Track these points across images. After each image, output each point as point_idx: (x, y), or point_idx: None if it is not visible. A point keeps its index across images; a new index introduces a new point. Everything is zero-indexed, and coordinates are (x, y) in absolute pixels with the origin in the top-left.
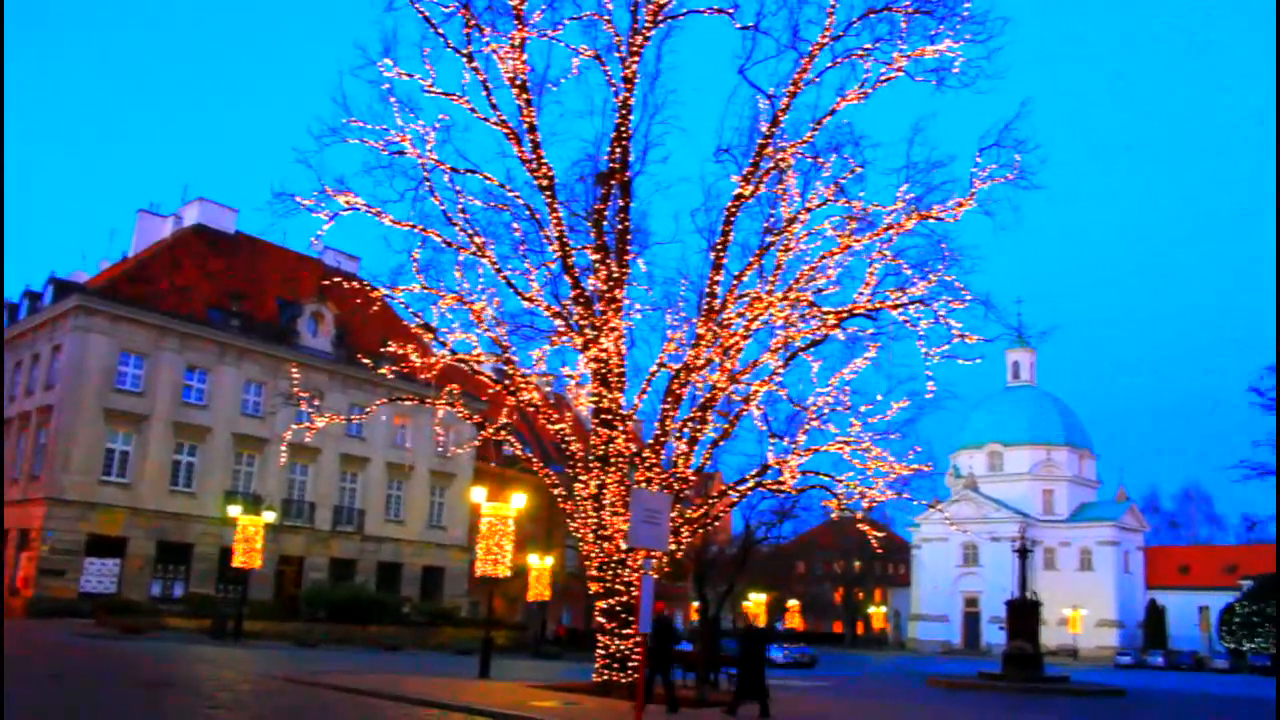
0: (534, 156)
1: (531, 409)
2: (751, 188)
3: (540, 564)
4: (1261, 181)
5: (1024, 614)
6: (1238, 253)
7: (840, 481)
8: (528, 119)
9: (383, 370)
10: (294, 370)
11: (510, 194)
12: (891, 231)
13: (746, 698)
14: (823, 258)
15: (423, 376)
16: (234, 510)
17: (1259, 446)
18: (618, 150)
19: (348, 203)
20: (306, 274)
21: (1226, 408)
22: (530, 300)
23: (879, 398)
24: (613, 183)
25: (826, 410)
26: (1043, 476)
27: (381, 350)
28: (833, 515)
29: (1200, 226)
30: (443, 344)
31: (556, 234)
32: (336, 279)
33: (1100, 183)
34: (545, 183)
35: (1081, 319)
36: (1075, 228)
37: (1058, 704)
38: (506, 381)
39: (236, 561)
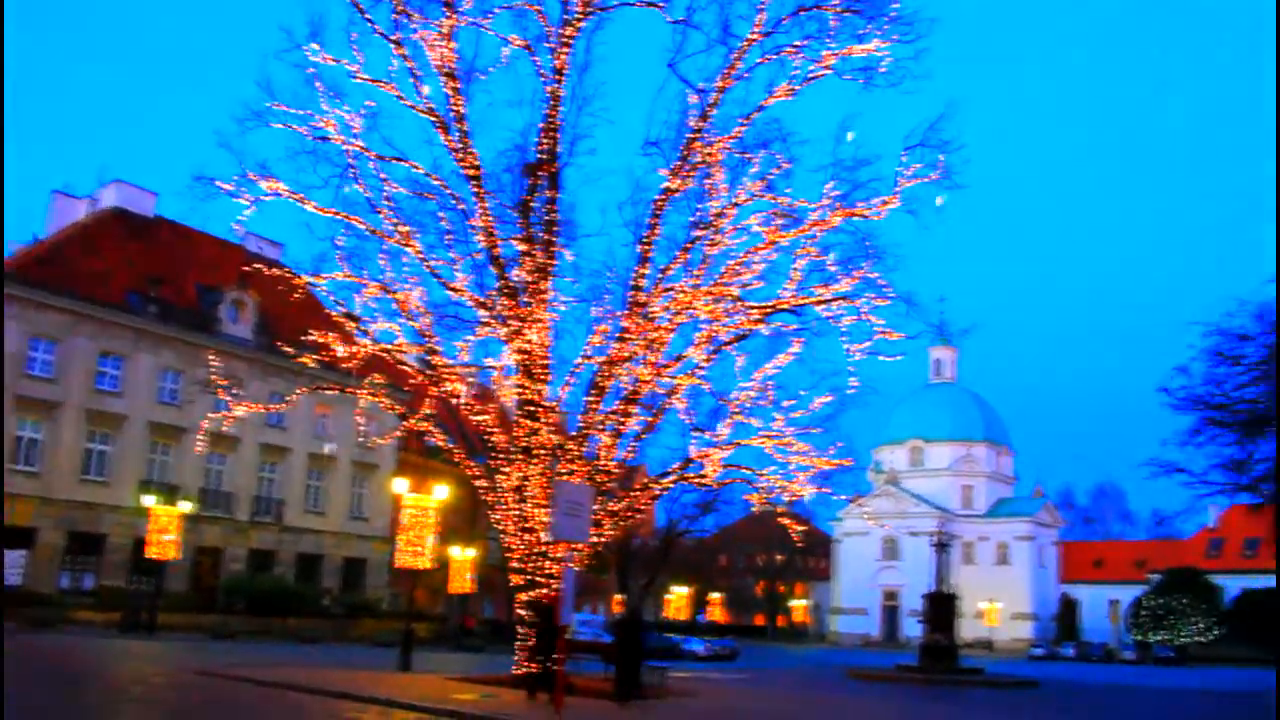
0: (462, 145)
1: (455, 400)
2: (680, 182)
3: (462, 556)
4: (1181, 185)
5: (941, 607)
6: (1153, 257)
7: (762, 475)
8: (456, 108)
9: (304, 359)
10: (213, 358)
11: (437, 183)
12: (817, 228)
13: (631, 686)
14: (749, 253)
15: (345, 366)
16: (148, 500)
17: (1167, 445)
18: (546, 141)
19: (270, 188)
20: (228, 260)
21: (1139, 408)
22: (455, 290)
23: (802, 393)
24: (541, 174)
25: (750, 404)
26: (962, 472)
27: (304, 339)
28: (755, 509)
29: (1117, 230)
30: (366, 333)
31: (483, 224)
32: (258, 265)
33: (1025, 184)
34: (473, 172)
35: (1003, 318)
36: (999, 228)
37: (972, 695)
38: (430, 372)
39: (150, 552)
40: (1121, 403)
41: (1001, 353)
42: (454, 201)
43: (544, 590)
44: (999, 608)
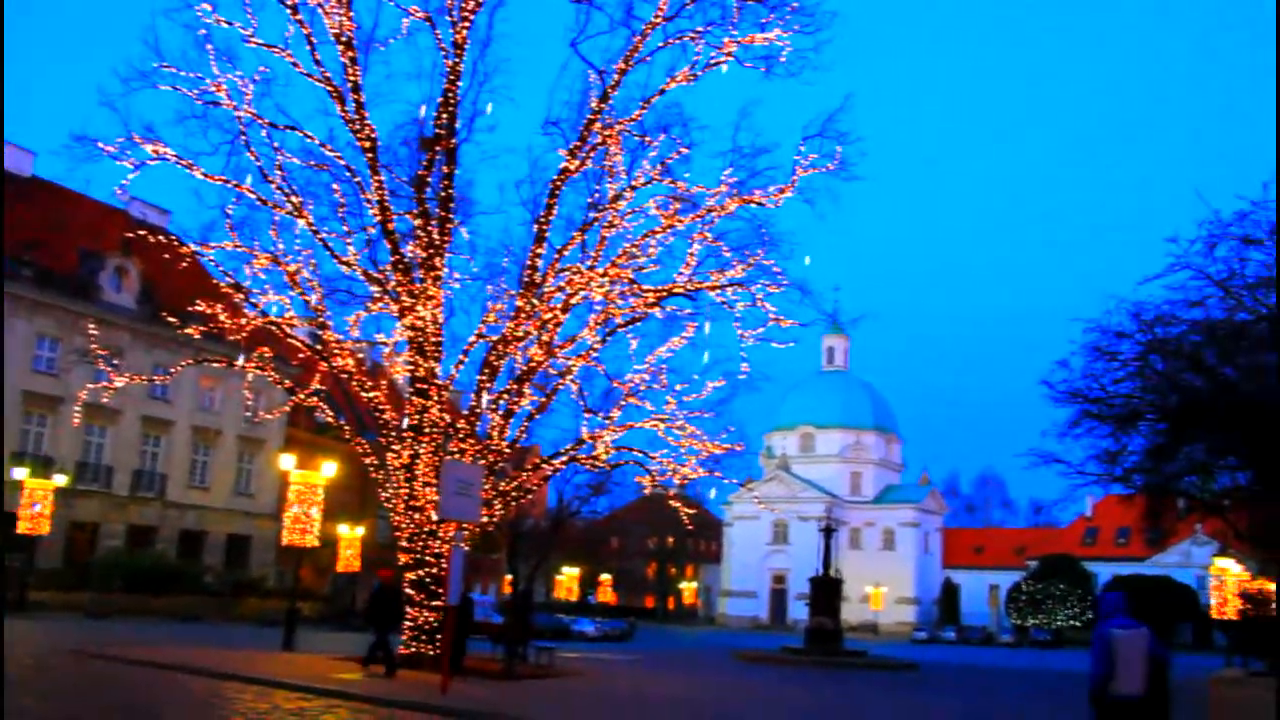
0: (357, 117)
1: (345, 376)
2: (578, 163)
3: (351, 534)
4: (1068, 183)
5: (826, 591)
6: (1040, 254)
7: (654, 458)
8: (352, 78)
9: (190, 330)
10: (93, 326)
11: (331, 154)
12: (714, 214)
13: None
14: (645, 236)
15: (232, 338)
16: (20, 472)
17: (1046, 436)
18: (444, 116)
19: (156, 152)
20: (110, 225)
21: (1022, 400)
22: (347, 264)
23: (695, 377)
24: (438, 149)
25: (643, 387)
26: (852, 459)
27: (189, 309)
28: (646, 491)
29: (1007, 226)
30: (254, 305)
31: (377, 198)
32: (143, 232)
33: (919, 177)
34: (368, 144)
35: (896, 309)
36: (894, 220)
37: (853, 677)
38: (320, 347)
39: (21, 527)
40: (1006, 395)
41: (893, 342)
42: (348, 173)
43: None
44: (884, 592)
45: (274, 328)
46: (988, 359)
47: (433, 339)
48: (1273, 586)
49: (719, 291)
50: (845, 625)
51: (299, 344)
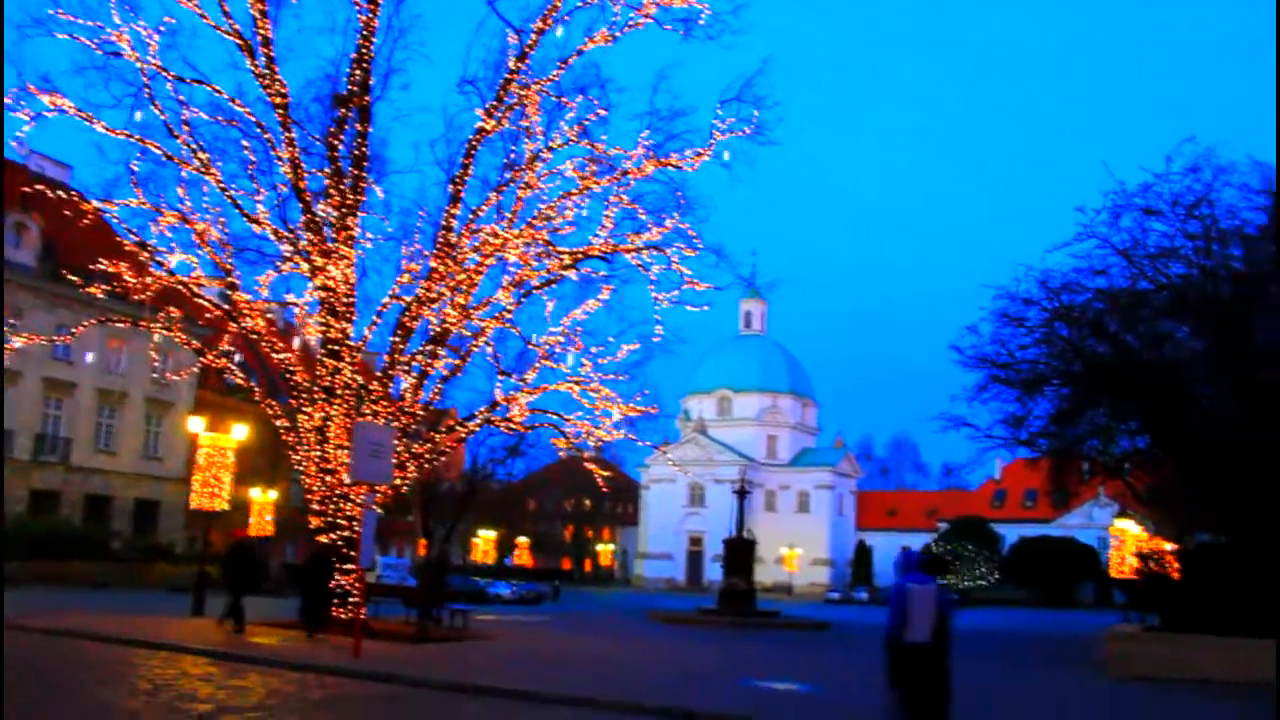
0: (268, 72)
1: (255, 337)
2: (494, 123)
3: (263, 498)
4: (981, 151)
5: (740, 552)
6: (954, 220)
7: (569, 421)
8: (263, 31)
9: (93, 289)
10: None
11: (240, 109)
12: (630, 176)
13: (314, 619)
14: (562, 198)
15: (138, 298)
16: None
17: (956, 400)
18: (358, 73)
19: (54, 104)
20: (8, 180)
21: (934, 365)
22: (257, 223)
23: (610, 339)
24: (351, 106)
25: (558, 349)
26: (768, 423)
27: (93, 267)
28: (561, 454)
29: (922, 191)
30: (161, 264)
31: (288, 155)
32: (42, 187)
33: (836, 144)
34: (279, 100)
35: (813, 273)
36: (811, 185)
37: (764, 636)
38: (229, 307)
39: None
40: (919, 360)
41: (810, 308)
42: (258, 130)
43: (343, 532)
44: (799, 553)
45: (182, 287)
46: (903, 325)
47: (345, 299)
48: (1168, 546)
49: (635, 254)
50: (760, 586)
51: (208, 304)
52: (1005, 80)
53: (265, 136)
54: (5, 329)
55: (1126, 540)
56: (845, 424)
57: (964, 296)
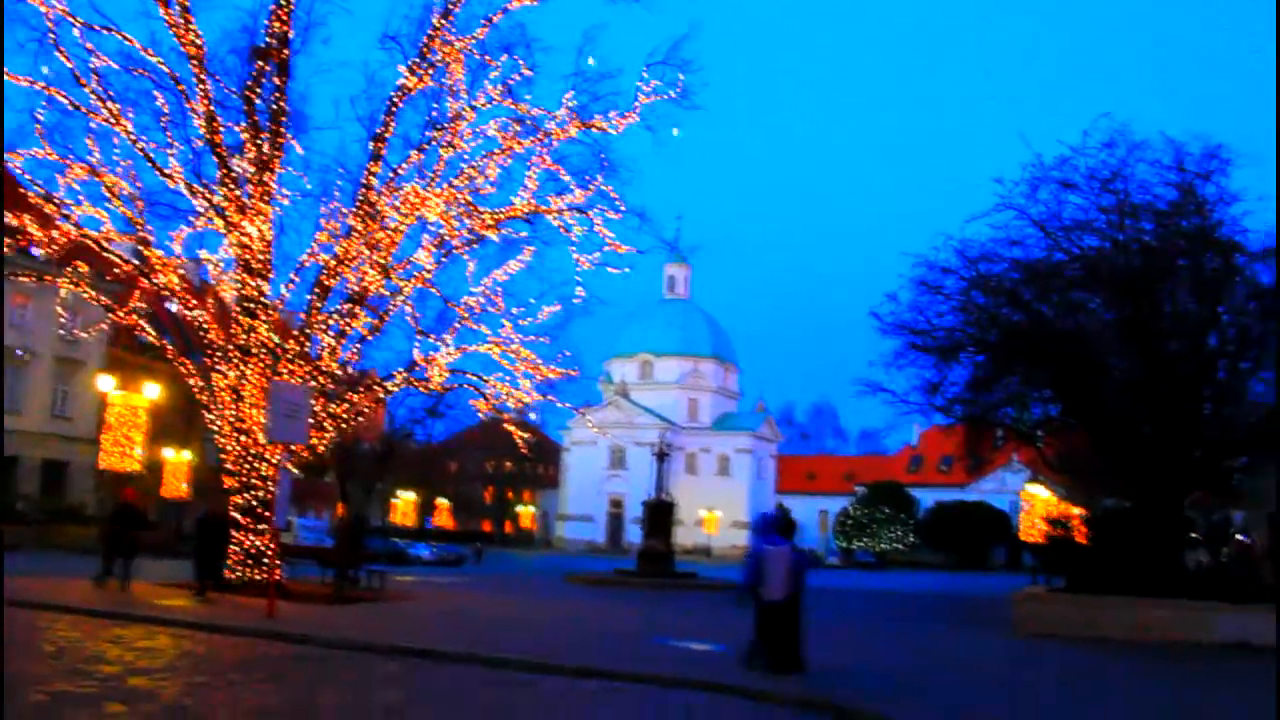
0: (182, 21)
1: (168, 294)
2: (417, 80)
3: (177, 458)
4: (906, 119)
5: (659, 514)
6: (876, 188)
7: (489, 382)
8: None
9: None
10: None
11: (153, 59)
12: (554, 138)
13: (207, 577)
14: (485, 158)
15: (43, 252)
16: None
17: (874, 366)
18: (277, 25)
19: None
20: None
21: (855, 331)
22: (170, 177)
23: (531, 301)
24: (269, 59)
25: (478, 311)
26: (690, 387)
27: None
28: (481, 416)
29: (847, 159)
30: (68, 218)
31: (203, 108)
32: None
33: (761, 110)
34: (193, 51)
35: (737, 239)
36: (736, 151)
37: (678, 597)
38: (141, 263)
39: None
40: (840, 326)
41: (733, 273)
42: (172, 81)
43: (258, 493)
44: (719, 516)
45: (90, 242)
46: (825, 292)
47: (261, 257)
48: (1076, 511)
49: (557, 216)
50: (679, 548)
51: (118, 260)
52: (930, 50)
53: (179, 88)
54: None
55: (1037, 505)
56: (767, 389)
57: (885, 264)
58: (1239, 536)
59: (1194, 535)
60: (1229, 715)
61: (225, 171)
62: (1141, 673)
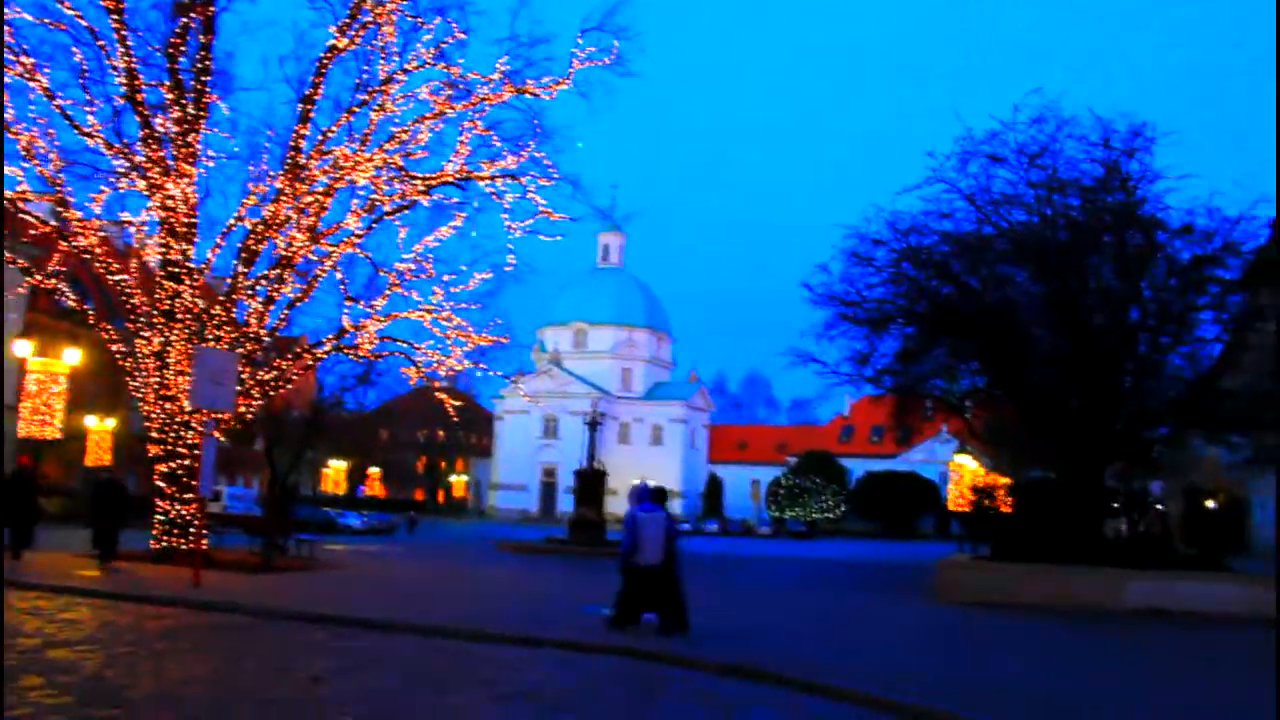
0: None
1: (89, 256)
2: (348, 41)
3: (100, 426)
4: (840, 90)
5: (591, 483)
6: (811, 160)
7: (420, 349)
8: None
9: None
10: None
11: (70, 13)
12: (487, 102)
13: (101, 546)
14: (416, 122)
15: None
16: None
17: (805, 337)
18: None
19: None
20: None
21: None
22: (89, 136)
23: (463, 268)
24: (193, 16)
25: (409, 276)
26: (623, 356)
27: None
28: (411, 383)
29: (782, 131)
30: None
31: (124, 65)
32: None
33: (697, 79)
34: (113, 4)
35: (672, 209)
36: (670, 121)
37: (605, 563)
38: (60, 225)
39: None
40: (774, 297)
41: (668, 242)
42: (90, 36)
43: (183, 461)
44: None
45: (5, 202)
46: (759, 262)
47: (186, 220)
48: (1002, 481)
49: (489, 182)
50: (612, 517)
51: (35, 221)
52: (868, 22)
53: (99, 44)
54: None
55: (964, 475)
56: (700, 359)
57: (819, 236)
58: (1158, 507)
59: (1114, 505)
60: (1073, 654)
61: (148, 131)
62: (1028, 631)
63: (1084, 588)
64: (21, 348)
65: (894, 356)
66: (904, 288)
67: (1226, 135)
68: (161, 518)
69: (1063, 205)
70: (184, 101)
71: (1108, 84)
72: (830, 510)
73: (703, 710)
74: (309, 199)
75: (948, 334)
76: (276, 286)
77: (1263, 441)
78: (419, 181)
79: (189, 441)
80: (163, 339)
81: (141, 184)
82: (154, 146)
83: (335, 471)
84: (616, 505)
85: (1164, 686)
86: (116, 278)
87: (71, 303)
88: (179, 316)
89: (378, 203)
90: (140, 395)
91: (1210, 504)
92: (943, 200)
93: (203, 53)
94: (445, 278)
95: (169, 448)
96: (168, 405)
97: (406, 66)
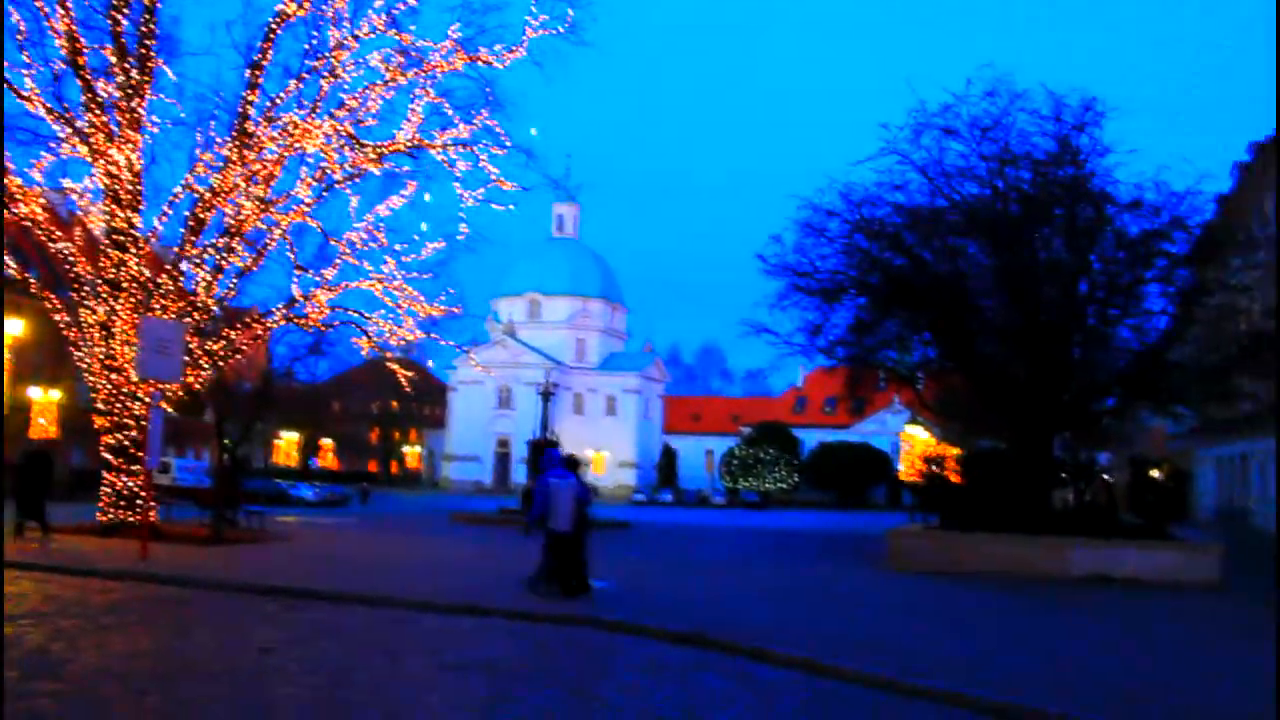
0: None
1: (31, 224)
2: (297, 6)
3: (44, 398)
4: (796, 61)
5: (542, 454)
6: (767, 133)
7: (371, 319)
8: None
9: None
10: None
11: None
12: (439, 71)
13: (29, 518)
14: (367, 89)
15: None
16: None
17: (759, 307)
18: None
19: None
20: None
21: (743, 273)
22: (28, 100)
23: (415, 237)
24: None
25: (361, 246)
26: (578, 326)
27: None
28: (364, 353)
29: (733, 102)
30: None
31: (64, 27)
32: None
33: (654, 49)
34: None
35: (627, 179)
36: (627, 91)
37: None
38: None
39: None
40: (729, 269)
41: (622, 213)
42: None
43: (130, 432)
44: (606, 456)
45: None
46: (714, 233)
47: (131, 187)
48: (953, 451)
49: (442, 151)
50: None
51: None
52: None
53: (37, 4)
54: None
55: (916, 445)
56: (655, 330)
57: (774, 207)
58: (1104, 477)
59: (1062, 475)
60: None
61: (90, 95)
62: (972, 598)
63: (1031, 556)
64: None
65: (847, 328)
66: (857, 259)
67: (1176, 112)
68: (108, 490)
69: (1014, 178)
70: (128, 66)
71: (1062, 58)
72: (784, 481)
73: (652, 678)
74: (258, 167)
75: (900, 306)
76: (225, 255)
77: (1207, 413)
78: (370, 150)
79: (136, 413)
80: (108, 309)
81: (84, 150)
82: (97, 112)
83: (288, 443)
84: None
85: (1069, 639)
86: (60, 246)
87: (13, 272)
88: (125, 286)
89: (328, 171)
90: (86, 366)
91: (1155, 474)
92: (896, 172)
93: (147, 15)
94: (397, 247)
95: (115, 419)
96: (114, 376)
97: (357, 33)
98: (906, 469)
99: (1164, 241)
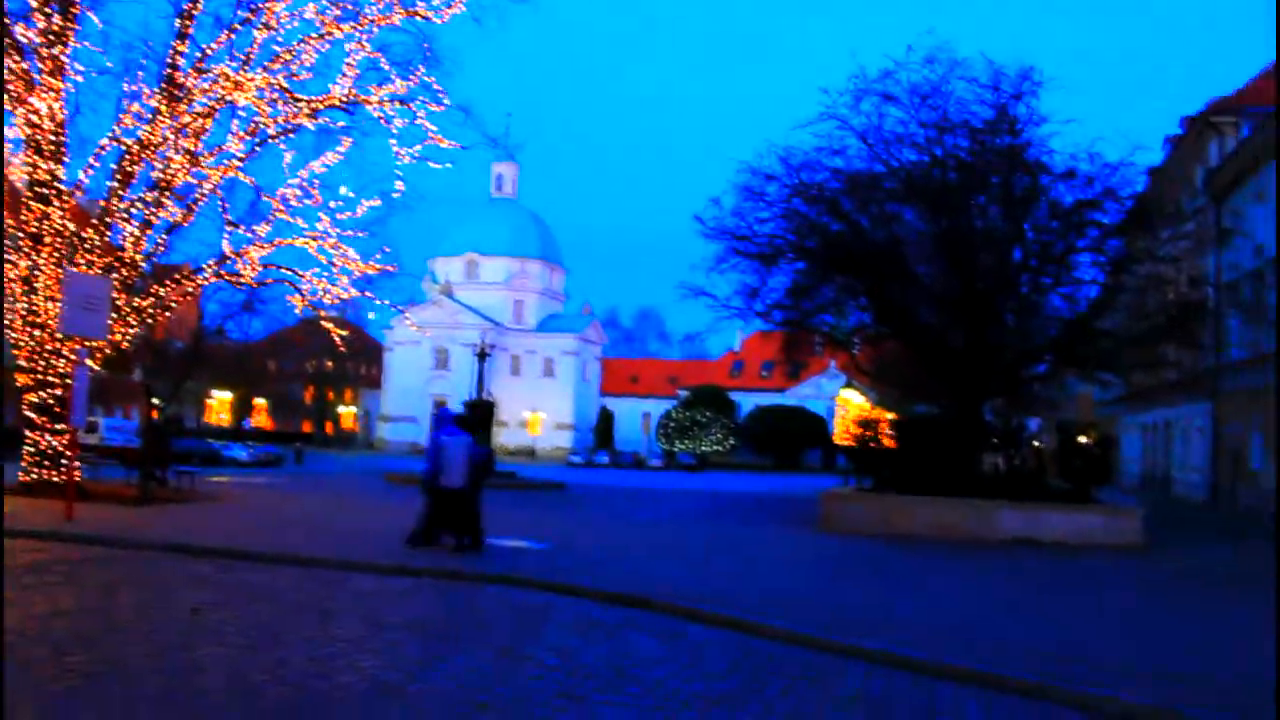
0: None
1: None
2: None
3: None
4: (739, 25)
5: (480, 414)
6: (704, 95)
7: (305, 277)
8: None
9: None
10: None
11: None
12: (376, 24)
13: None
14: (301, 42)
15: None
16: None
17: (696, 270)
18: None
19: None
20: None
21: (681, 236)
22: None
23: (350, 194)
24: None
25: (294, 203)
26: (516, 287)
27: None
28: (297, 311)
29: (678, 64)
30: None
31: None
32: None
33: (596, 9)
34: None
35: (568, 140)
36: (568, 51)
37: (502, 496)
38: None
39: None
40: (668, 232)
41: (562, 174)
42: None
43: (54, 390)
44: (543, 417)
45: None
46: (654, 196)
47: (54, 138)
48: (887, 415)
49: (377, 106)
50: (503, 449)
51: None
52: None
53: None
54: None
55: (851, 409)
56: (593, 292)
57: (714, 170)
58: (1034, 442)
59: (993, 440)
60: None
61: (9, 40)
62: (900, 558)
63: (959, 518)
64: None
65: (784, 292)
66: (795, 223)
67: (1112, 85)
68: (31, 449)
69: (952, 146)
70: (49, 11)
71: (1002, 29)
72: (720, 443)
73: (582, 636)
74: (188, 119)
75: (837, 271)
76: (154, 210)
77: (1133, 381)
78: (304, 104)
79: (60, 370)
80: (30, 263)
81: (4, 98)
82: (16, 57)
83: (220, 403)
84: (509, 437)
85: (994, 599)
86: None
87: None
88: (47, 240)
89: (261, 125)
90: (7, 322)
91: (1082, 440)
92: (835, 137)
93: None
94: (332, 204)
95: (39, 376)
96: (37, 333)
97: None
98: (841, 433)
99: (1096, 211)
